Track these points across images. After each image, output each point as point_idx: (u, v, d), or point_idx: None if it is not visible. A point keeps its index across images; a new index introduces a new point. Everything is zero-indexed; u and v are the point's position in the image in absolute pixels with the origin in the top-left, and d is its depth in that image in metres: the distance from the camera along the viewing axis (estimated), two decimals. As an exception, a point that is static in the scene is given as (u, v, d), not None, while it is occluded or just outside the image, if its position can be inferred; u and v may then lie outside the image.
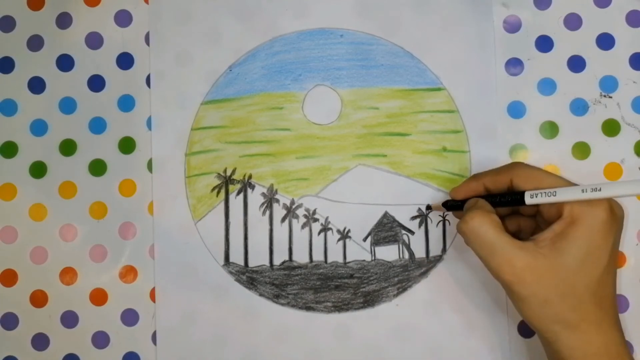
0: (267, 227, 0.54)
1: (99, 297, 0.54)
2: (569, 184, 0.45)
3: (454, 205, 0.51)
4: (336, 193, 0.54)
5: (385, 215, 0.54)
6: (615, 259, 0.45)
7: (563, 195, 0.44)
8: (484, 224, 0.44)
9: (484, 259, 0.45)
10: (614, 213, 0.44)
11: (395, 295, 0.54)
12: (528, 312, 0.44)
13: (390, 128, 0.54)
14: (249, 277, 0.54)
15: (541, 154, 0.54)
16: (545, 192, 0.44)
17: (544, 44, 0.55)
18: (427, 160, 0.54)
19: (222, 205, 0.54)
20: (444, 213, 0.54)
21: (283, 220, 0.54)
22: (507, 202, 0.47)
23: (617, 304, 0.45)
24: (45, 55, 0.55)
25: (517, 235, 0.48)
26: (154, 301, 0.54)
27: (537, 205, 0.47)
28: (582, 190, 0.43)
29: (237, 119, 0.55)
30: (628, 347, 0.46)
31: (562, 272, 0.43)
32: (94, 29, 0.55)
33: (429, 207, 0.54)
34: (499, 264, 0.44)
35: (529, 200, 0.45)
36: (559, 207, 0.44)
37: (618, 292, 0.53)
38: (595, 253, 0.43)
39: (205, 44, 0.55)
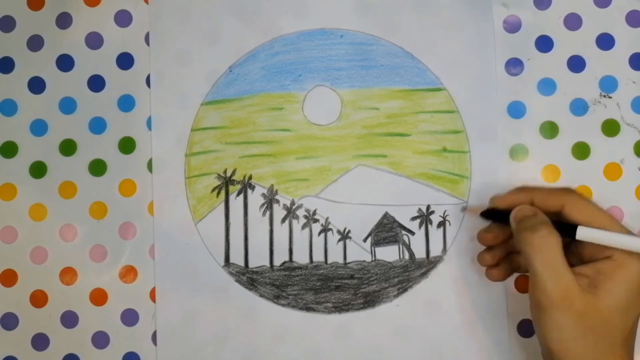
0: (267, 227, 0.54)
1: (99, 297, 0.54)
2: (622, 227, 0.45)
3: (491, 215, 0.49)
4: (336, 193, 0.54)
5: (386, 215, 0.54)
6: None
7: (619, 241, 0.43)
8: (557, 245, 0.44)
9: (541, 276, 0.43)
10: None
11: (396, 296, 0.54)
12: (558, 343, 0.43)
13: (390, 128, 0.54)
14: (249, 277, 0.54)
15: (541, 154, 0.54)
16: (602, 233, 0.44)
17: (544, 44, 0.55)
18: (427, 161, 0.54)
19: (223, 205, 0.54)
20: (467, 215, 0.53)
21: (283, 220, 0.54)
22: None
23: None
24: (45, 55, 0.55)
25: None
26: (154, 301, 0.54)
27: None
28: None
29: (237, 120, 0.55)
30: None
31: (606, 311, 0.43)
32: (94, 29, 0.55)
33: (464, 209, 0.53)
34: (556, 285, 0.43)
35: (580, 234, 0.44)
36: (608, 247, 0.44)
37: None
38: (636, 299, 0.43)
39: (205, 44, 0.55)
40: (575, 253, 0.47)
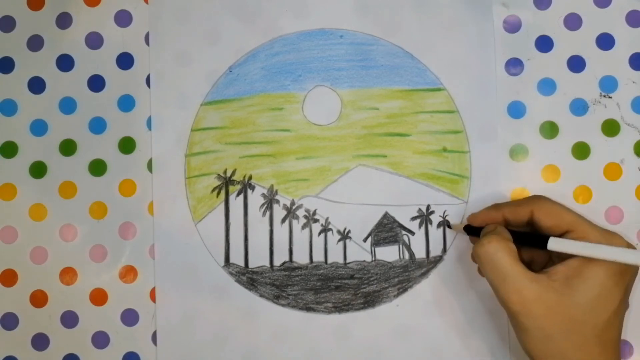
0: (267, 227, 0.54)
1: (99, 297, 0.54)
2: (588, 222, 0.45)
3: (471, 231, 0.50)
4: (336, 193, 0.54)
5: (386, 215, 0.54)
6: (625, 304, 0.45)
7: (588, 251, 0.43)
8: (500, 250, 0.44)
9: (494, 285, 0.45)
10: None
11: (396, 296, 0.54)
12: (530, 344, 0.44)
13: (390, 128, 0.54)
14: (249, 277, 0.54)
15: (541, 154, 0.54)
16: (571, 243, 0.44)
17: (544, 44, 0.55)
18: (427, 161, 0.54)
19: (222, 206, 0.54)
20: (452, 229, 0.54)
21: (283, 221, 0.54)
22: (527, 242, 0.46)
23: (620, 349, 0.45)
24: (45, 55, 0.55)
25: (530, 266, 0.47)
26: (154, 301, 0.54)
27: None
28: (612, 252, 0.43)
29: (237, 120, 0.55)
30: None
31: (572, 309, 0.43)
32: (94, 29, 0.55)
33: (449, 225, 0.54)
34: (509, 292, 0.43)
35: (550, 245, 0.44)
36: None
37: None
38: (608, 295, 0.43)
39: (205, 44, 0.55)
40: (555, 257, 0.47)
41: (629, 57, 0.55)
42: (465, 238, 0.53)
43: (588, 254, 0.43)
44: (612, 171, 0.54)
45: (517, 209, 0.48)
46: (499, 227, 0.47)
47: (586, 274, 0.43)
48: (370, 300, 0.54)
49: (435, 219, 0.54)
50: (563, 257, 0.45)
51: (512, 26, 0.55)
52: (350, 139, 0.55)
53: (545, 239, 0.45)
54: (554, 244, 0.44)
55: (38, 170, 0.55)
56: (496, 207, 0.49)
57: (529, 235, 0.47)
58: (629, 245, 0.45)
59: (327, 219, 0.54)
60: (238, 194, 0.54)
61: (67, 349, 0.54)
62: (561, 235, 0.46)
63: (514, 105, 0.55)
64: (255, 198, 0.54)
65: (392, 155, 0.54)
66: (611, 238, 0.44)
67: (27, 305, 0.54)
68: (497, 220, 0.48)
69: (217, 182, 0.54)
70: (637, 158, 0.54)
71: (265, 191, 0.54)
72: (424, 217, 0.54)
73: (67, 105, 0.55)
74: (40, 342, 0.54)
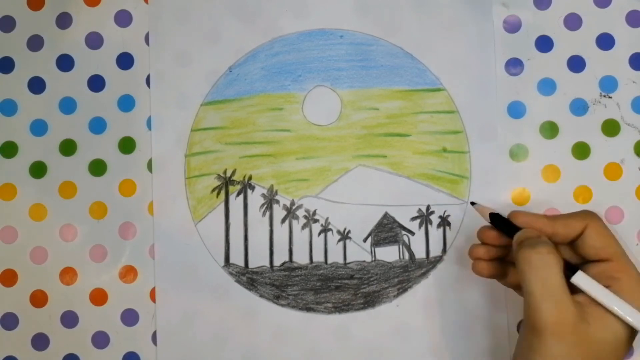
0: (267, 228, 0.54)
1: (99, 297, 0.54)
2: (629, 260, 0.44)
3: (499, 223, 0.48)
4: (336, 194, 0.54)
5: (386, 216, 0.54)
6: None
7: (606, 300, 0.42)
8: (557, 265, 0.42)
9: (534, 297, 0.42)
10: None
11: (396, 296, 0.54)
12: None
13: (390, 129, 0.54)
14: (249, 278, 0.54)
15: (541, 154, 0.54)
16: (595, 286, 0.43)
17: (544, 44, 0.55)
18: (427, 161, 0.54)
19: (222, 206, 0.54)
20: (474, 207, 0.51)
21: (283, 221, 0.54)
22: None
23: None
24: (45, 55, 0.55)
25: None
26: (154, 301, 0.54)
27: (580, 263, 0.46)
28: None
29: (237, 120, 0.55)
30: None
31: (599, 345, 0.41)
32: (94, 29, 0.55)
33: (473, 203, 0.51)
34: (550, 309, 0.41)
35: (576, 279, 0.43)
36: (614, 275, 0.43)
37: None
38: (625, 345, 0.43)
39: (205, 44, 0.55)
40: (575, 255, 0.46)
41: (629, 57, 0.55)
42: (465, 238, 0.53)
43: (607, 304, 0.42)
44: (612, 171, 0.54)
45: (571, 222, 0.45)
46: (544, 237, 0.45)
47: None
48: (370, 301, 0.54)
49: (435, 219, 0.54)
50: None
51: (512, 26, 0.55)
52: (350, 139, 0.55)
53: (574, 269, 0.44)
54: (580, 279, 0.43)
55: (38, 170, 0.55)
56: (548, 217, 0.46)
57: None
58: None
59: (327, 219, 0.54)
60: (238, 194, 0.54)
61: (67, 349, 0.54)
62: (599, 260, 0.44)
63: (514, 105, 0.55)
64: (255, 198, 0.54)
65: (392, 155, 0.54)
66: None
67: (27, 305, 0.54)
68: (544, 229, 0.46)
69: (217, 182, 0.54)
70: (637, 158, 0.54)
71: (265, 191, 0.54)
72: (424, 218, 0.54)
73: (67, 105, 0.55)
74: (40, 342, 0.54)
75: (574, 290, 0.43)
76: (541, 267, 0.42)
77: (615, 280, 0.43)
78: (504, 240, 0.48)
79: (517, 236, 0.45)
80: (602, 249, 0.44)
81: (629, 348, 0.43)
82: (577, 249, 0.46)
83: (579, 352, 0.41)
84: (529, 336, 0.42)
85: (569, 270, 0.44)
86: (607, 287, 0.43)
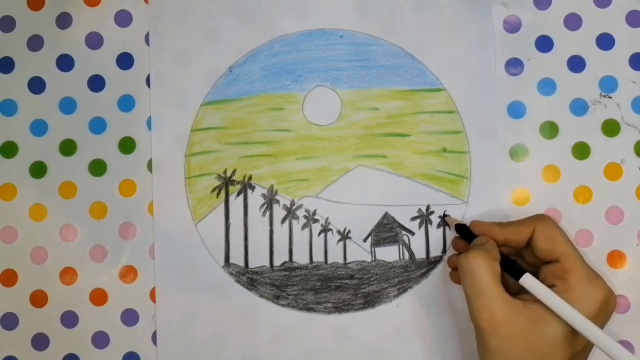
0: (267, 228, 0.54)
1: (99, 297, 0.54)
2: (579, 259, 0.46)
3: (462, 232, 0.51)
4: (336, 194, 0.54)
5: (386, 216, 0.54)
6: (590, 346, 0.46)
7: (549, 302, 0.44)
8: (483, 268, 0.45)
9: (469, 298, 0.45)
10: (609, 304, 0.45)
11: (396, 296, 0.54)
12: None
13: (390, 129, 0.54)
14: (249, 278, 0.54)
15: (541, 154, 0.54)
16: (539, 287, 0.45)
17: (544, 44, 0.55)
18: (427, 161, 0.54)
19: (222, 206, 0.54)
20: (446, 220, 0.54)
21: (283, 221, 0.54)
22: (506, 268, 0.47)
23: None
24: (45, 55, 0.55)
25: (509, 286, 0.48)
26: (154, 301, 0.54)
27: (539, 264, 0.48)
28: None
29: (237, 120, 0.55)
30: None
31: (538, 339, 0.44)
32: (94, 29, 0.55)
33: (445, 215, 0.54)
34: (481, 309, 0.44)
35: (523, 280, 0.46)
36: (561, 275, 0.45)
37: (619, 292, 0.53)
38: (573, 340, 0.44)
39: (205, 44, 0.55)
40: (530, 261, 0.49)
41: (629, 57, 0.55)
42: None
43: (548, 304, 0.44)
44: (612, 171, 0.54)
45: (520, 228, 0.48)
46: (490, 242, 0.48)
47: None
48: (370, 300, 0.54)
49: (435, 219, 0.54)
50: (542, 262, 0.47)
51: (512, 26, 0.55)
52: (350, 139, 0.55)
53: (521, 271, 0.46)
54: (526, 281, 0.46)
55: (38, 170, 0.55)
56: (501, 225, 0.49)
57: (510, 263, 0.47)
58: (610, 293, 0.45)
59: (327, 219, 0.54)
60: (238, 194, 0.54)
61: (67, 349, 0.54)
62: (552, 261, 0.46)
63: (514, 105, 0.55)
64: (255, 198, 0.54)
65: (392, 155, 0.54)
66: (592, 284, 0.45)
67: (27, 305, 0.54)
68: (497, 237, 0.49)
69: (217, 182, 0.54)
70: (637, 158, 0.54)
71: (265, 191, 0.54)
72: (424, 218, 0.54)
73: (67, 105, 0.55)
74: (40, 342, 0.54)
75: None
76: (469, 271, 0.45)
77: (561, 280, 0.45)
78: None
79: (471, 245, 0.49)
80: (548, 250, 0.47)
81: (575, 345, 0.44)
82: (533, 252, 0.48)
83: (514, 346, 0.44)
84: (476, 333, 0.46)
85: (517, 272, 0.46)
86: (552, 286, 0.45)
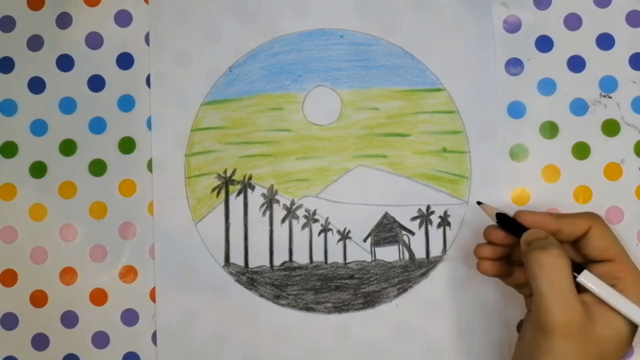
0: (267, 227, 0.54)
1: (99, 297, 0.54)
2: (631, 261, 0.45)
3: (505, 223, 0.48)
4: (336, 194, 0.54)
5: (386, 215, 0.54)
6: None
7: (620, 303, 0.43)
8: (566, 267, 0.43)
9: (545, 297, 0.42)
10: None
11: (396, 296, 0.54)
12: None
13: (390, 129, 0.55)
14: (249, 277, 0.54)
15: (541, 154, 0.54)
16: (606, 290, 0.43)
17: (544, 44, 0.55)
18: (427, 161, 0.54)
19: (222, 206, 0.54)
20: (480, 206, 0.51)
21: (283, 220, 0.54)
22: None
23: None
24: (45, 55, 0.55)
25: None
26: (154, 301, 0.54)
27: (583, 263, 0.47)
28: None
29: (237, 120, 0.55)
30: None
31: (601, 345, 0.42)
32: (94, 29, 0.55)
33: (479, 203, 0.51)
34: (561, 309, 0.42)
35: (582, 278, 0.44)
36: (618, 275, 0.44)
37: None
38: (627, 346, 0.44)
39: (205, 44, 0.55)
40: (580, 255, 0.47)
41: (629, 57, 0.55)
42: (464, 238, 0.53)
43: (614, 304, 0.43)
44: (612, 171, 0.54)
45: (575, 221, 0.46)
46: (551, 237, 0.45)
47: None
48: (370, 300, 0.54)
49: (435, 219, 0.54)
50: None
51: (512, 26, 0.55)
52: (350, 139, 0.55)
53: (578, 268, 0.44)
54: (588, 278, 0.44)
55: (38, 170, 0.55)
56: (553, 215, 0.47)
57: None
58: None
59: (327, 219, 0.54)
60: (238, 194, 0.54)
61: (67, 349, 0.54)
62: (603, 261, 0.45)
63: (514, 105, 0.55)
64: (255, 198, 0.54)
65: (392, 155, 0.54)
66: None
67: (27, 305, 0.54)
68: (550, 227, 0.46)
69: (217, 182, 0.54)
70: (637, 158, 0.54)
71: (265, 191, 0.54)
72: (424, 217, 0.54)
73: (67, 105, 0.55)
74: (40, 342, 0.54)
75: (578, 289, 0.44)
76: (552, 269, 0.43)
77: (618, 279, 0.44)
78: (509, 240, 0.48)
79: (525, 236, 0.46)
80: (605, 249, 0.45)
81: (630, 345, 0.44)
82: (581, 249, 0.46)
83: (585, 351, 0.42)
84: (537, 336, 0.43)
85: (574, 269, 0.44)
86: (611, 286, 0.43)
